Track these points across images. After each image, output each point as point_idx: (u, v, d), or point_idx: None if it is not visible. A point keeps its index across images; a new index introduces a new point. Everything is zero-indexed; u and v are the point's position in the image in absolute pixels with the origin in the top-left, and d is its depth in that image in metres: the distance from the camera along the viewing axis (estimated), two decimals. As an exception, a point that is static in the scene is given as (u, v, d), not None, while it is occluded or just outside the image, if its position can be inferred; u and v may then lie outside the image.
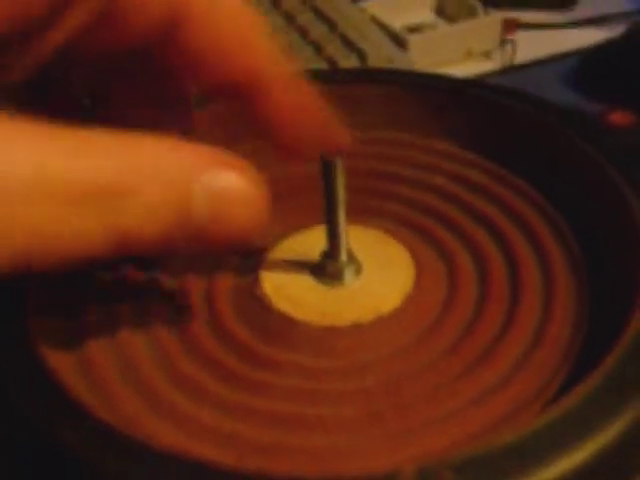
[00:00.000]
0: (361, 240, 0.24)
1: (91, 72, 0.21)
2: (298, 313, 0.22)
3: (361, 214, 0.25)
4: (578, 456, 0.16)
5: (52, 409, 0.17)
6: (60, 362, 0.19)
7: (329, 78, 0.29)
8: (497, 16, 0.53)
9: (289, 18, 0.51)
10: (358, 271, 0.23)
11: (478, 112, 0.27)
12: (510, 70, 0.52)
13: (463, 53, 0.53)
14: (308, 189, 0.24)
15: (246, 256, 0.24)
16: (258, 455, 0.18)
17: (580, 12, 0.58)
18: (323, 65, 0.47)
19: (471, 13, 0.54)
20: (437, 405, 0.19)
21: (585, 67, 0.50)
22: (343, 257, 0.22)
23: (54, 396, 0.18)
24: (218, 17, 0.19)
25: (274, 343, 0.21)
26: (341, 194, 0.21)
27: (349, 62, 0.47)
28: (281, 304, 0.22)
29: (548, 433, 0.16)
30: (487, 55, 0.54)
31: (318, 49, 0.48)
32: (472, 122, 0.28)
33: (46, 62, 0.18)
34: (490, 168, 0.27)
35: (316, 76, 0.30)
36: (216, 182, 0.16)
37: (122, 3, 0.18)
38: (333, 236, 0.22)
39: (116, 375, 0.20)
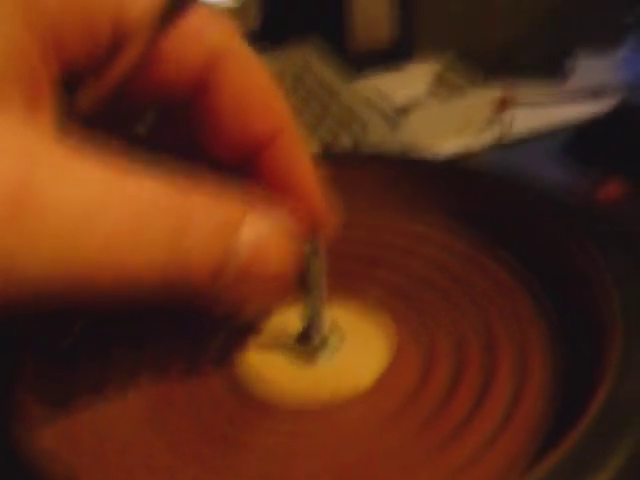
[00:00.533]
0: (339, 320, 0.24)
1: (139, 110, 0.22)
2: (273, 394, 0.22)
3: (344, 295, 0.26)
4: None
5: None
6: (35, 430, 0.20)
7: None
8: (490, 93, 0.55)
9: (287, 95, 0.53)
10: (334, 351, 0.23)
11: (457, 195, 0.28)
12: (504, 144, 0.54)
13: (458, 128, 0.54)
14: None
15: (226, 337, 0.24)
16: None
17: (574, 84, 0.60)
18: (316, 145, 0.48)
19: (466, 88, 0.56)
20: (405, 485, 0.19)
21: (578, 140, 0.51)
22: (320, 338, 0.23)
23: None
24: (248, 72, 0.21)
25: (248, 425, 0.22)
26: (318, 277, 0.22)
27: (341, 143, 0.49)
28: (257, 387, 0.23)
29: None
30: (480, 130, 0.55)
31: (311, 129, 0.50)
32: (450, 205, 0.28)
33: (106, 97, 0.20)
34: (465, 251, 0.27)
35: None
36: (257, 229, 0.18)
37: (164, 51, 0.20)
38: (311, 319, 0.23)
39: (89, 448, 0.21)
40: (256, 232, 0.18)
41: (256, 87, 0.21)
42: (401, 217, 0.29)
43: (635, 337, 0.20)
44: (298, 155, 0.22)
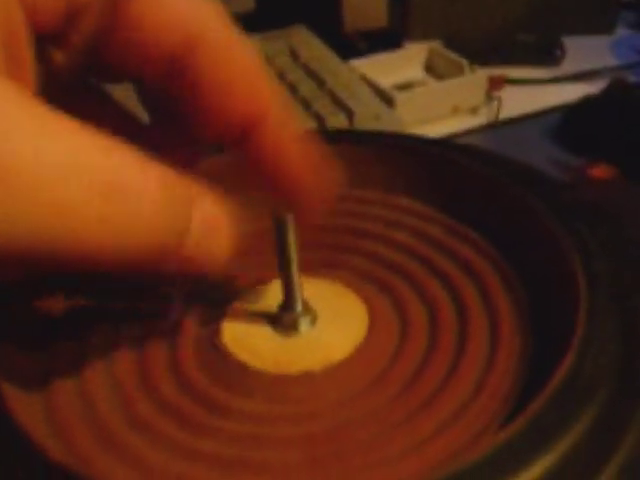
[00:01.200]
0: (319, 292, 0.25)
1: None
2: (254, 362, 0.23)
3: (322, 267, 0.27)
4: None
5: (6, 448, 0.18)
6: (19, 401, 0.21)
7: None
8: (483, 73, 0.55)
9: (280, 75, 0.53)
10: (313, 321, 0.24)
11: (438, 171, 0.29)
12: (495, 125, 0.54)
13: (450, 109, 0.55)
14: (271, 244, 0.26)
15: (209, 307, 0.25)
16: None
17: (565, 68, 0.60)
18: (311, 122, 0.48)
19: (458, 70, 0.56)
20: (375, 452, 0.20)
21: (567, 122, 0.52)
22: (298, 308, 0.24)
23: (9, 435, 0.19)
24: (231, 54, 0.21)
25: (229, 390, 0.22)
26: (293, 249, 0.23)
27: (337, 119, 0.49)
28: (239, 353, 0.23)
29: (468, 474, 0.17)
30: (474, 111, 0.56)
31: (307, 106, 0.50)
32: (432, 180, 0.29)
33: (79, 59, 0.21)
34: (448, 223, 0.28)
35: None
36: (209, 210, 0.18)
37: (137, 18, 0.20)
38: (288, 289, 0.24)
39: (75, 415, 0.21)
40: (208, 211, 0.18)
41: (240, 68, 0.21)
42: (383, 191, 0.29)
43: (600, 310, 0.21)
44: (285, 138, 0.22)
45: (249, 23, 0.60)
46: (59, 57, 0.21)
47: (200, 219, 0.18)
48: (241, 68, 0.21)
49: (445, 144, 0.30)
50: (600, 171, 0.48)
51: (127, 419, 0.22)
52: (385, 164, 0.30)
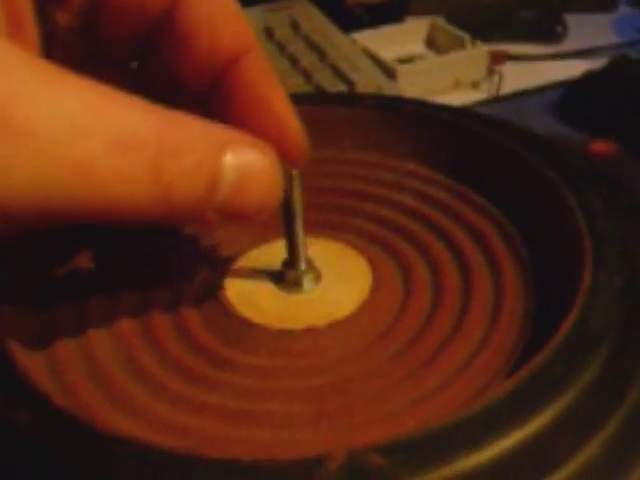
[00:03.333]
0: (324, 252, 0.25)
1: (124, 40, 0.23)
2: (257, 317, 0.23)
3: (327, 228, 0.27)
4: (501, 445, 0.17)
5: (10, 394, 0.18)
6: (25, 355, 0.21)
7: (300, 101, 0.31)
8: (484, 48, 0.55)
9: (281, 47, 0.53)
10: (317, 279, 0.24)
11: (443, 134, 0.29)
12: (496, 100, 0.54)
13: (451, 83, 0.55)
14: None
15: (213, 265, 0.25)
16: (209, 447, 0.19)
17: (567, 45, 0.60)
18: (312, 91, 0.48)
19: (459, 45, 0.56)
20: (380, 405, 0.20)
21: (569, 98, 0.52)
22: (302, 266, 0.24)
23: (14, 383, 0.19)
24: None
25: (233, 345, 0.22)
26: (298, 206, 0.23)
27: (338, 90, 0.49)
28: (242, 309, 0.23)
29: (474, 422, 0.17)
30: (475, 85, 0.56)
31: (308, 77, 0.50)
32: (437, 143, 0.29)
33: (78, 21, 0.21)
34: (453, 186, 0.28)
35: (291, 99, 0.31)
36: (242, 157, 0.17)
37: None
38: (292, 246, 0.23)
39: (79, 368, 0.21)
40: (241, 159, 0.17)
41: (223, 8, 0.21)
42: (388, 154, 0.29)
43: (605, 266, 0.21)
44: (267, 73, 0.22)
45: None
46: (60, 17, 0.21)
47: (233, 166, 0.17)
48: (225, 6, 0.21)
49: (450, 109, 0.30)
50: (601, 146, 0.48)
51: (131, 373, 0.22)
52: (390, 127, 0.29)
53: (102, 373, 0.22)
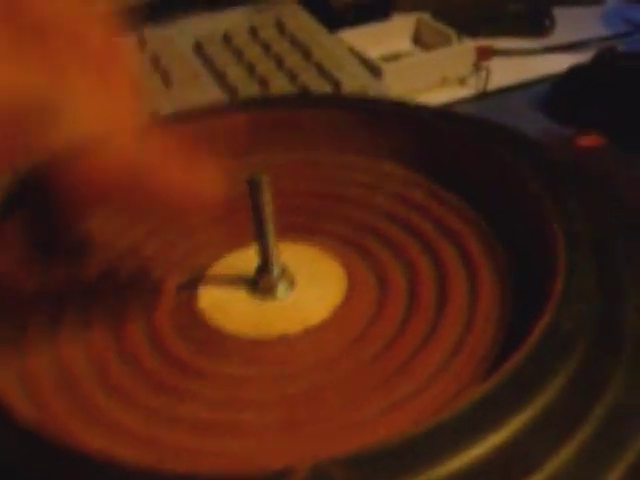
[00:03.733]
0: (297, 257, 0.25)
1: None
2: (230, 326, 0.23)
3: (302, 232, 0.26)
4: (468, 455, 0.17)
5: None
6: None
7: (276, 103, 0.30)
8: (471, 44, 0.55)
9: (266, 47, 0.53)
10: (291, 286, 0.24)
11: (420, 135, 0.28)
12: (484, 96, 0.54)
13: (438, 80, 0.54)
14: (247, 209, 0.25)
15: (186, 273, 0.25)
16: (177, 459, 0.19)
17: (555, 38, 0.60)
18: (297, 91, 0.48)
19: (446, 41, 0.55)
20: (353, 413, 0.20)
21: (556, 93, 0.51)
22: (275, 272, 0.23)
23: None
24: None
25: (205, 354, 0.22)
26: (268, 212, 0.22)
27: (324, 90, 0.48)
28: (215, 317, 0.23)
29: (439, 433, 0.17)
30: (462, 82, 0.55)
31: (293, 77, 0.49)
32: (414, 144, 0.29)
33: None
34: (430, 187, 0.28)
35: (263, 102, 0.31)
36: None
37: None
38: (264, 252, 0.23)
39: (50, 380, 0.21)
40: None
41: None
42: (363, 155, 0.29)
43: (578, 267, 0.21)
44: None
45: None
46: None
47: None
48: None
49: (427, 108, 0.30)
50: (589, 140, 0.47)
51: (102, 384, 0.22)
52: (368, 129, 0.29)
53: (73, 385, 0.21)
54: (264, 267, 0.23)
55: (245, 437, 0.20)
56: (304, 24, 0.56)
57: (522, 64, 0.57)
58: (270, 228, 0.23)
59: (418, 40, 0.59)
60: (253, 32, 0.55)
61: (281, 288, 0.23)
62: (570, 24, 0.61)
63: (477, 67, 0.55)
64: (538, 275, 0.22)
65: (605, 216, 0.24)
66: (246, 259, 0.25)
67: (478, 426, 0.17)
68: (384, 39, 0.58)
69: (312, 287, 0.24)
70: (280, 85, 0.49)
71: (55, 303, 0.24)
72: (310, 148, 0.30)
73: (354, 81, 0.49)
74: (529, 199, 0.24)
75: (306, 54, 0.52)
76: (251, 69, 0.50)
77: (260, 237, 0.23)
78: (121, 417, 0.20)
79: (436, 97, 0.53)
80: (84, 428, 0.20)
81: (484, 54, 0.55)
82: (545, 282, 0.21)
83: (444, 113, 0.29)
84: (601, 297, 0.21)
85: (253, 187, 0.22)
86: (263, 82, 0.49)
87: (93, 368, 0.22)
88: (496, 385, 0.18)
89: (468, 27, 0.57)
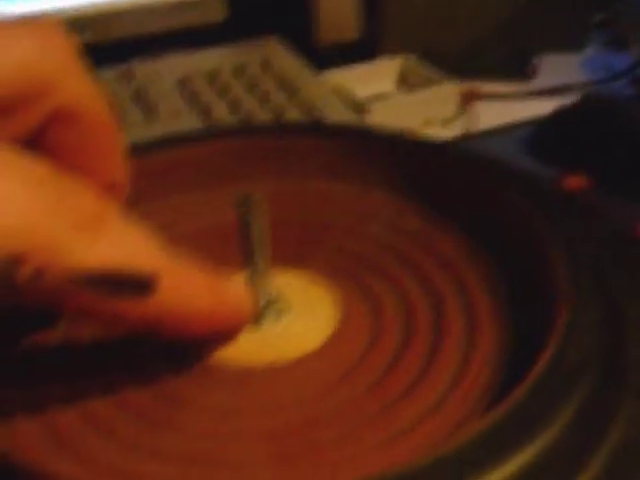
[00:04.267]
0: (289, 285, 0.24)
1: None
2: (217, 356, 0.22)
3: (292, 260, 0.25)
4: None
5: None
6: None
7: (264, 131, 0.30)
8: (455, 87, 0.55)
9: (251, 85, 0.53)
10: (281, 314, 0.23)
11: (412, 163, 0.28)
12: (468, 138, 0.54)
13: (422, 121, 0.54)
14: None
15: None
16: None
17: (538, 83, 0.60)
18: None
19: (431, 83, 0.56)
20: (347, 446, 0.19)
21: (540, 134, 0.51)
22: (262, 301, 0.22)
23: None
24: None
25: (190, 385, 0.21)
26: (261, 233, 0.22)
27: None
28: (201, 347, 0.22)
29: (439, 468, 0.16)
30: (446, 123, 0.55)
31: (278, 115, 0.49)
32: (406, 172, 0.28)
33: None
34: (423, 215, 0.27)
35: (252, 130, 0.31)
36: None
37: None
38: (254, 278, 0.22)
39: (24, 409, 0.20)
40: None
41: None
42: (355, 183, 0.28)
43: (582, 298, 0.20)
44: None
45: (221, 33, 0.59)
46: None
47: None
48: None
49: (419, 139, 0.30)
50: (574, 182, 0.47)
51: (81, 415, 0.20)
52: (357, 156, 0.29)
53: (48, 414, 0.20)
54: (253, 295, 0.22)
55: (232, 470, 0.19)
56: (289, 63, 0.56)
57: (506, 107, 0.57)
58: (262, 250, 0.22)
59: (403, 81, 0.59)
60: (239, 70, 0.55)
61: (269, 317, 0.23)
62: (552, 69, 0.62)
63: (461, 109, 0.55)
64: (538, 304, 0.22)
65: (604, 248, 0.23)
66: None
67: (480, 461, 0.16)
68: (369, 80, 0.58)
69: (304, 315, 0.23)
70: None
71: (33, 330, 0.23)
72: (299, 176, 0.29)
73: (339, 120, 0.49)
74: (528, 229, 0.24)
75: (291, 92, 0.52)
76: (236, 106, 0.50)
77: (249, 263, 0.22)
78: (101, 449, 0.19)
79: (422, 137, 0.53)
80: (61, 459, 0.19)
81: (468, 97, 0.56)
82: (547, 312, 0.20)
83: (436, 142, 0.28)
84: (604, 330, 0.20)
85: (244, 207, 0.21)
86: (248, 120, 0.49)
87: (70, 396, 0.21)
88: (500, 418, 0.17)
89: (453, 70, 0.57)
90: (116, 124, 0.21)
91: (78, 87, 0.20)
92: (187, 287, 0.19)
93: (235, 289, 0.21)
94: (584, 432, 0.17)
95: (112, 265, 0.17)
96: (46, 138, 0.20)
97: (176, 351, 0.22)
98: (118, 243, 0.17)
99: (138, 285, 0.17)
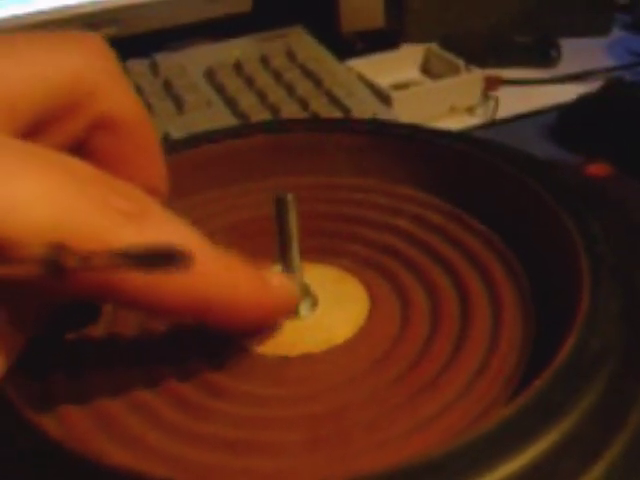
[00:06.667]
0: (320, 277, 0.25)
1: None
2: (254, 345, 0.23)
3: (324, 254, 0.26)
4: (496, 475, 0.16)
5: (3, 426, 0.18)
6: (18, 386, 0.20)
7: (295, 127, 0.31)
8: (479, 73, 0.55)
9: (277, 75, 0.53)
10: (313, 305, 0.24)
11: (438, 158, 0.29)
12: (492, 125, 0.54)
13: (446, 109, 0.55)
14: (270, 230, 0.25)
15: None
16: (206, 476, 0.19)
17: (562, 69, 0.60)
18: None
19: (455, 71, 0.56)
20: (377, 432, 0.20)
21: (564, 121, 0.52)
22: (298, 292, 0.23)
23: (6, 414, 0.18)
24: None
25: (229, 373, 0.22)
26: (293, 230, 0.23)
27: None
28: (238, 337, 0.23)
29: (465, 453, 0.17)
30: (470, 111, 0.56)
31: (304, 105, 0.50)
32: (433, 167, 0.29)
33: None
34: (448, 210, 0.28)
35: (282, 125, 0.31)
36: None
37: None
38: (288, 271, 0.23)
39: (73, 398, 0.21)
40: None
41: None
42: (383, 179, 0.29)
43: (603, 289, 0.21)
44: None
45: (246, 23, 0.60)
46: None
47: None
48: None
49: (445, 132, 0.30)
50: (597, 169, 0.47)
51: (125, 403, 0.21)
52: (385, 152, 0.29)
53: (96, 403, 0.21)
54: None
55: (271, 455, 0.20)
56: (314, 53, 0.56)
57: (529, 94, 0.57)
58: (295, 248, 0.23)
59: (427, 70, 0.59)
60: (264, 60, 0.55)
61: (303, 308, 0.24)
62: (576, 55, 0.62)
63: (485, 96, 0.56)
64: (561, 296, 0.22)
65: (625, 238, 0.24)
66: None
67: (505, 447, 0.17)
68: (393, 68, 0.58)
69: (335, 307, 0.24)
70: (291, 113, 0.49)
71: (77, 320, 0.24)
72: (328, 171, 0.30)
73: (364, 109, 0.50)
74: (551, 221, 0.24)
75: (316, 82, 0.52)
76: (262, 97, 0.51)
77: (284, 256, 0.23)
78: (146, 435, 0.20)
79: (444, 126, 0.54)
80: (109, 446, 0.20)
81: (492, 83, 0.56)
82: (570, 302, 0.21)
83: (462, 136, 0.29)
84: (625, 319, 0.21)
85: (280, 205, 0.22)
86: (275, 110, 0.50)
87: (115, 386, 0.22)
88: (524, 405, 0.18)
89: (476, 57, 0.58)
90: (155, 132, 0.22)
91: (120, 96, 0.21)
92: (230, 273, 0.19)
93: (279, 277, 0.21)
94: (604, 419, 0.18)
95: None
96: (90, 145, 0.21)
97: (216, 342, 0.23)
98: (163, 232, 0.18)
99: (173, 258, 0.18)
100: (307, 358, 0.22)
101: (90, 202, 0.17)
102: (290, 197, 0.22)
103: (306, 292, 0.24)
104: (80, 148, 0.21)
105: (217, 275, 0.19)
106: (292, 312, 0.22)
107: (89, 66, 0.20)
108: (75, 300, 0.21)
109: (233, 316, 0.20)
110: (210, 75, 0.54)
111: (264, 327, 0.22)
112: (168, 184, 0.23)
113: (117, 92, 0.21)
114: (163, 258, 0.17)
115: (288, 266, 0.23)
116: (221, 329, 0.21)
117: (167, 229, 0.18)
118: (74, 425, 0.20)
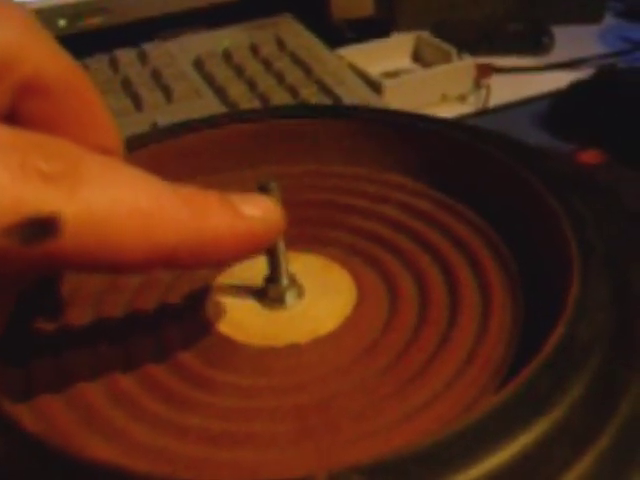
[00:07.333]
0: (307, 267, 0.25)
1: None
2: (239, 335, 0.22)
3: (310, 242, 0.26)
4: (485, 465, 0.16)
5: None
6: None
7: (284, 113, 0.30)
8: (471, 61, 0.55)
9: (267, 64, 0.53)
10: (300, 295, 0.23)
11: (427, 145, 0.28)
12: (484, 113, 0.54)
13: (438, 97, 0.54)
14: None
15: (194, 282, 0.25)
16: (191, 469, 0.19)
17: (554, 56, 0.60)
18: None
19: (446, 59, 0.56)
20: (365, 422, 0.20)
21: (556, 109, 0.51)
22: (284, 281, 0.23)
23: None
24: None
25: (214, 364, 0.22)
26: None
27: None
28: (224, 327, 0.23)
29: (454, 443, 0.16)
30: (462, 99, 0.55)
31: (294, 93, 0.49)
32: (422, 155, 0.29)
33: None
34: (437, 197, 0.27)
35: (274, 112, 0.31)
36: None
37: None
38: (273, 261, 0.23)
39: (55, 390, 0.21)
40: None
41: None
42: (372, 167, 0.29)
43: (593, 277, 0.21)
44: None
45: (235, 12, 0.59)
46: None
47: None
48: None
49: (434, 119, 0.30)
50: (589, 156, 0.47)
51: (109, 395, 0.21)
52: (374, 139, 0.29)
53: (78, 395, 0.21)
54: (273, 276, 0.23)
55: (258, 447, 0.19)
56: (304, 41, 0.56)
57: (522, 81, 0.57)
58: (280, 238, 0.22)
59: (418, 57, 0.59)
60: (253, 49, 0.55)
61: (290, 297, 0.23)
62: (569, 42, 0.61)
63: (477, 84, 0.55)
64: (551, 284, 0.22)
65: (614, 225, 0.24)
66: (253, 269, 0.24)
67: (494, 436, 0.17)
68: (384, 56, 0.58)
69: (321, 297, 0.24)
70: (281, 101, 0.49)
71: (61, 310, 0.24)
72: (315, 159, 0.30)
73: (355, 97, 0.49)
74: (541, 208, 0.24)
75: (307, 70, 0.52)
76: (252, 85, 0.51)
77: (273, 246, 0.23)
78: (130, 428, 0.20)
79: (436, 114, 0.53)
80: (92, 439, 0.19)
81: (484, 71, 0.56)
82: (558, 291, 0.21)
83: (452, 124, 0.29)
84: (615, 307, 0.21)
85: (263, 193, 0.22)
86: (264, 98, 0.49)
87: (99, 378, 0.22)
88: (513, 394, 0.18)
89: (468, 45, 0.57)
90: (94, 89, 0.20)
91: (43, 56, 0.19)
92: (194, 213, 0.18)
93: (254, 203, 0.19)
94: (594, 407, 0.18)
95: (99, 212, 0.16)
96: (24, 112, 0.19)
97: (200, 333, 0.23)
98: (101, 188, 0.16)
99: (42, 228, 0.16)
100: (294, 348, 0.22)
101: (4, 169, 0.15)
102: (273, 185, 0.21)
103: (292, 282, 0.23)
104: (13, 116, 0.19)
105: (176, 219, 0.17)
106: (278, 232, 0.20)
107: (8, 30, 0.18)
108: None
109: (204, 254, 0.18)
110: (199, 64, 0.54)
111: (247, 254, 0.20)
112: (120, 140, 0.21)
113: (37, 52, 0.19)
114: (35, 228, 0.16)
115: (273, 255, 0.23)
116: (197, 267, 0.20)
117: (106, 184, 0.16)
118: (55, 418, 0.20)
